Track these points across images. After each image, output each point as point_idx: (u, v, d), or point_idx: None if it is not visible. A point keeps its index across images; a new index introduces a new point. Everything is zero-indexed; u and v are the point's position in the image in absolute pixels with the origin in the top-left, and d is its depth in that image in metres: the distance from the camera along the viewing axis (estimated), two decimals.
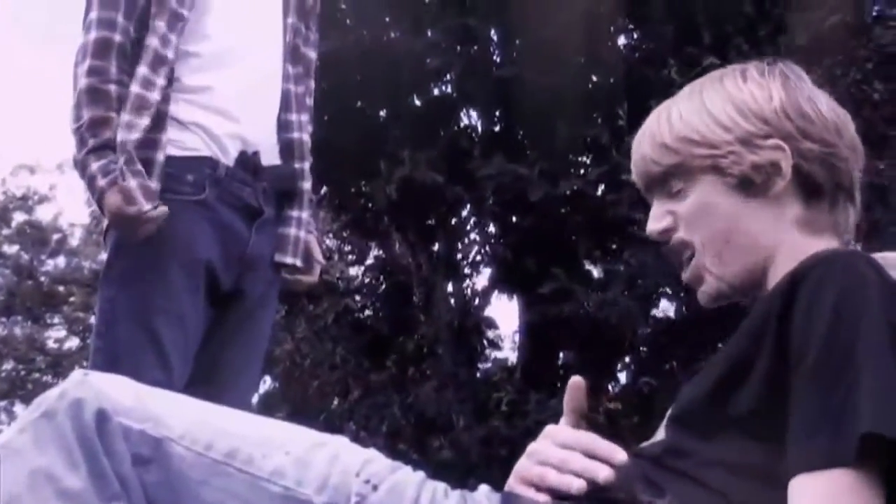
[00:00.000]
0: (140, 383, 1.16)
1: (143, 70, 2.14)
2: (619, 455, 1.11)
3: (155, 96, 2.14)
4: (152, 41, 2.15)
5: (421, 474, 1.15)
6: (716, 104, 1.25)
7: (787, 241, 1.23)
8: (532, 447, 1.19)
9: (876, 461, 0.99)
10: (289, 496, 1.07)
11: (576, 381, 1.17)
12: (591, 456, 1.12)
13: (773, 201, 1.23)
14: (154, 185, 2.10)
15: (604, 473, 1.10)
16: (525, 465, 1.18)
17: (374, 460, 1.14)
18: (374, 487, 1.10)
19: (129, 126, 2.10)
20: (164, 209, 2.07)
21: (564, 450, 1.14)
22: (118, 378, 1.15)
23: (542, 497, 1.13)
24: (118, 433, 1.06)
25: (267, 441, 1.11)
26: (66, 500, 1.02)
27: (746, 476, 1.09)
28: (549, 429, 1.19)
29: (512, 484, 1.19)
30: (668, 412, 1.26)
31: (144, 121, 2.12)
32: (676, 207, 1.27)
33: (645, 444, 1.26)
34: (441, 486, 1.15)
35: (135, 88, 2.12)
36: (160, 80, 2.15)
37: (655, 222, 1.29)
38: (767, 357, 1.09)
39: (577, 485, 1.10)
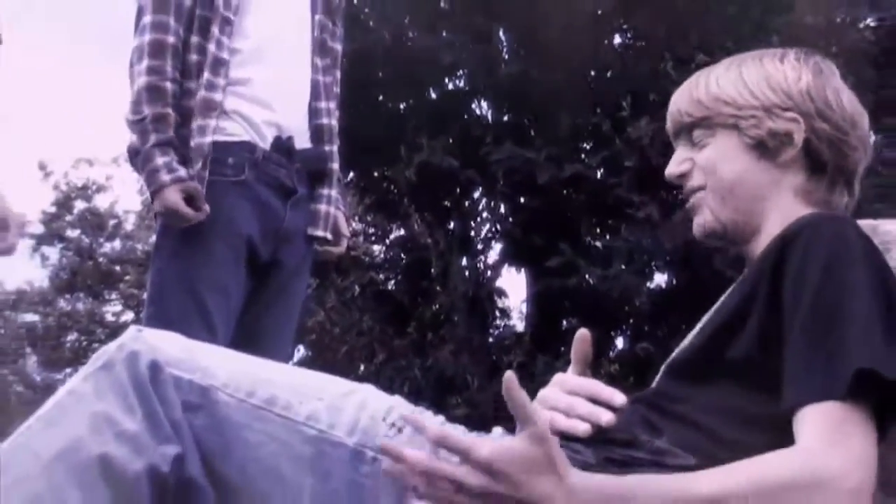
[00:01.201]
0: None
1: (206, 75, 2.14)
2: (619, 398, 1.11)
3: (219, 97, 2.15)
4: (211, 46, 2.15)
5: (441, 418, 1.15)
6: (752, 77, 1.27)
7: (782, 203, 1.24)
8: (542, 393, 1.18)
9: (867, 398, 0.99)
10: (322, 438, 1.07)
11: (582, 333, 1.16)
12: (595, 401, 1.11)
13: (779, 167, 1.25)
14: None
15: (606, 417, 1.09)
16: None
17: (398, 406, 1.13)
18: (399, 430, 1.09)
19: (202, 130, 2.12)
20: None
21: (571, 396, 1.13)
22: (169, 334, 1.14)
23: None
24: (170, 382, 1.06)
25: (302, 389, 1.11)
26: (124, 441, 1.01)
27: (736, 419, 1.09)
28: (558, 377, 1.19)
29: None
30: (665, 363, 1.26)
31: (213, 122, 2.13)
32: (695, 155, 1.29)
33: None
34: (460, 428, 1.14)
35: (201, 93, 2.13)
36: (221, 81, 2.16)
37: (675, 166, 1.31)
38: (761, 311, 1.09)
39: (582, 428, 1.10)
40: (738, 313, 1.13)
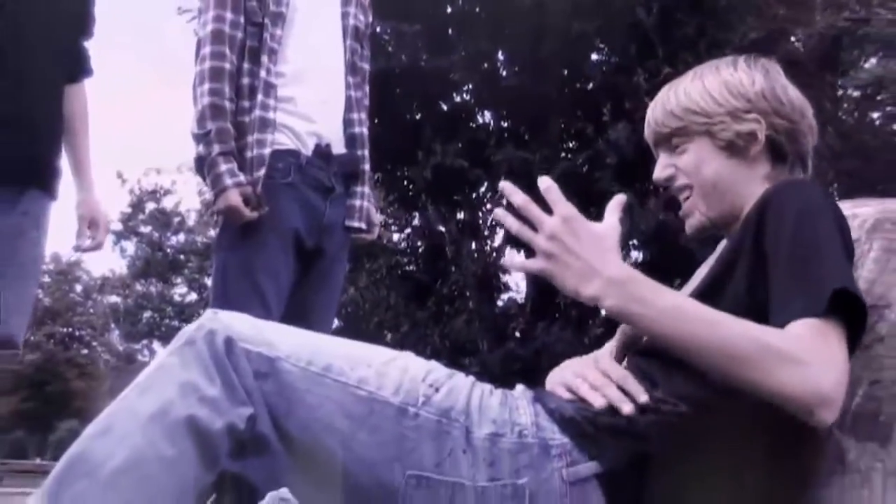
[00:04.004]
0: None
1: (260, 97, 2.13)
2: (643, 397, 1.07)
3: (272, 115, 2.14)
4: (262, 73, 2.14)
5: (472, 378, 1.13)
6: (713, 85, 1.24)
7: (756, 190, 1.22)
8: (571, 362, 1.17)
9: (841, 317, 0.99)
10: (372, 398, 1.06)
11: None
12: (621, 389, 1.08)
13: (749, 161, 1.23)
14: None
15: (627, 408, 1.06)
16: (559, 373, 1.17)
17: (435, 369, 1.13)
18: (437, 390, 1.08)
19: (261, 143, 2.11)
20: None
21: (602, 376, 1.11)
22: (239, 314, 1.13)
23: (567, 394, 1.12)
24: (242, 355, 1.05)
25: (353, 358, 1.10)
26: (206, 404, 1.01)
27: None
28: (594, 354, 1.18)
29: (546, 385, 1.18)
30: None
31: (270, 136, 2.12)
32: (677, 161, 1.27)
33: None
34: (487, 386, 1.13)
35: (257, 112, 2.12)
36: (272, 102, 2.15)
37: (661, 171, 1.29)
38: (746, 259, 1.09)
39: (599, 402, 1.08)
40: (725, 268, 1.12)
